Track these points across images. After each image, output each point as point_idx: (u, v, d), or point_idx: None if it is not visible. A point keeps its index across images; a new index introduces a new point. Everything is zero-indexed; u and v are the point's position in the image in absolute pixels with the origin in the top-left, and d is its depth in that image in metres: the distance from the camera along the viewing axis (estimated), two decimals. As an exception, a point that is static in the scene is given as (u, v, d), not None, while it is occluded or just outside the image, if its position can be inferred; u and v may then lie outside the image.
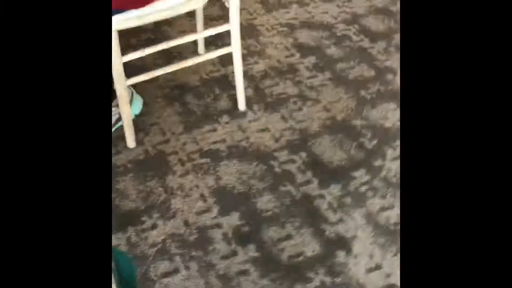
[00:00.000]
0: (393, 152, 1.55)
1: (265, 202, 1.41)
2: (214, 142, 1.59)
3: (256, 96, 1.76)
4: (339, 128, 1.63)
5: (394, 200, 1.42)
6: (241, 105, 1.70)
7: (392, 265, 1.25)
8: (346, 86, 1.78)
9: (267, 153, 1.55)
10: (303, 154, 1.57)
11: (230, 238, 1.33)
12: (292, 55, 1.91)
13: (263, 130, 1.63)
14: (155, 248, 1.30)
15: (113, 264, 0.71)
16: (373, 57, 1.90)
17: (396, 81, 1.80)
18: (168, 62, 1.71)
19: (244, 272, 1.25)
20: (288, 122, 1.67)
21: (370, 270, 1.26)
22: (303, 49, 1.94)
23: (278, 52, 1.94)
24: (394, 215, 1.38)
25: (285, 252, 1.31)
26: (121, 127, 1.58)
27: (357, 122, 1.65)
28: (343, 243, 1.33)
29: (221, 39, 1.94)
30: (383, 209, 1.41)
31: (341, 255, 1.29)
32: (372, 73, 1.83)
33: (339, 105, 1.71)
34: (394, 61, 1.87)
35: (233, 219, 1.38)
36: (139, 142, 1.60)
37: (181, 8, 1.46)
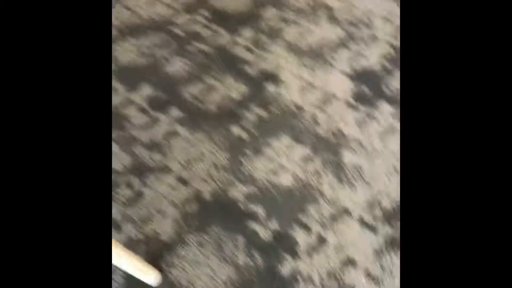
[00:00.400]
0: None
1: (177, 66, 1.25)
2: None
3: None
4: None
5: (309, 23, 1.32)
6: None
7: (322, 79, 1.18)
8: None
9: (165, 22, 1.37)
10: (204, 12, 1.42)
11: (147, 109, 1.17)
12: None
13: (151, 2, 1.45)
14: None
15: None
16: None
17: None
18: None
19: (173, 134, 1.11)
20: (179, -12, 1.50)
21: (303, 91, 1.19)
22: None
23: None
24: (313, 36, 1.29)
25: (212, 103, 1.19)
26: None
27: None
28: (270, 76, 1.22)
29: None
30: (301, 34, 1.32)
31: (271, 88, 1.19)
32: None
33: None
34: None
35: (145, 91, 1.20)
36: None
37: None
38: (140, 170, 1.06)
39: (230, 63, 1.26)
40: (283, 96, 1.17)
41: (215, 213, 0.98)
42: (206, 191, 1.01)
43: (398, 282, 0.86)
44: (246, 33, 1.33)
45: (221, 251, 0.92)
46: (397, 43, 1.26)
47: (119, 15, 1.40)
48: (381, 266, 0.88)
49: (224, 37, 1.32)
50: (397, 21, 1.30)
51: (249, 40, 1.31)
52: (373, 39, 1.27)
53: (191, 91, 1.21)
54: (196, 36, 1.34)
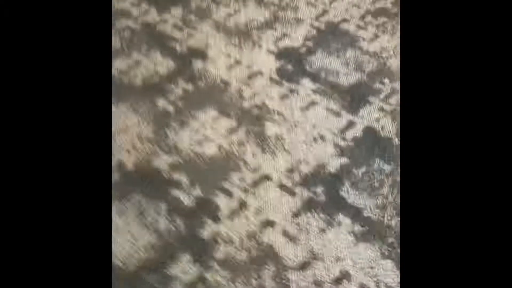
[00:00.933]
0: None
1: None
2: None
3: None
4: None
5: (238, 5, 1.33)
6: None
7: (249, 57, 1.19)
8: None
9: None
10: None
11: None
12: None
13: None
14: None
15: None
16: None
17: None
18: None
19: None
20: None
21: (230, 67, 1.21)
22: None
23: None
24: (241, 17, 1.30)
25: (138, 78, 1.16)
26: None
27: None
28: (197, 53, 1.22)
29: None
30: (229, 15, 1.35)
31: (198, 64, 1.20)
32: None
33: None
34: None
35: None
36: None
37: None
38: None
39: (158, 40, 1.26)
40: (210, 71, 1.18)
41: (137, 182, 0.97)
42: (129, 161, 1.00)
43: (313, 240, 0.90)
44: (175, 12, 1.33)
45: (142, 218, 0.92)
46: (319, 25, 1.32)
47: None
48: (298, 226, 0.92)
49: (153, 15, 1.32)
50: (320, 5, 1.37)
51: (178, 19, 1.31)
52: (297, 21, 1.32)
53: (117, 66, 1.19)
54: (125, 13, 1.32)
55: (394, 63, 1.22)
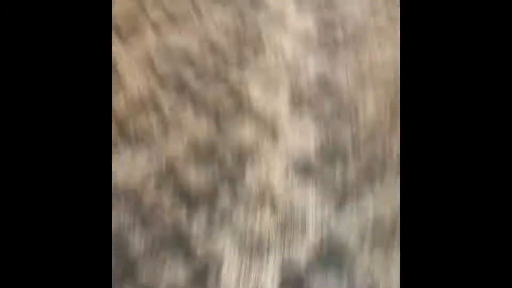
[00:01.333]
0: (252, 171, 1.63)
1: (137, 240, 1.44)
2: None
3: None
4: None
5: (255, 210, 1.50)
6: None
7: (256, 277, 1.37)
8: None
9: (135, 193, 1.54)
10: (169, 186, 1.61)
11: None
12: None
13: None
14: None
15: None
16: None
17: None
18: None
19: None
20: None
21: (239, 283, 1.39)
22: None
23: None
24: (255, 226, 1.48)
25: (162, 285, 1.37)
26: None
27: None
28: (213, 266, 1.39)
29: None
30: (246, 219, 1.51)
31: (212, 279, 1.37)
32: None
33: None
34: None
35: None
36: None
37: None
38: None
39: (181, 244, 1.46)
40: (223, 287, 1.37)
41: None
42: None
43: None
44: (201, 213, 1.54)
45: None
46: (321, 244, 1.48)
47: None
48: None
49: (182, 216, 1.53)
50: (328, 214, 1.53)
51: (203, 222, 1.52)
52: (303, 233, 1.49)
53: (145, 272, 1.40)
54: (159, 210, 1.54)
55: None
